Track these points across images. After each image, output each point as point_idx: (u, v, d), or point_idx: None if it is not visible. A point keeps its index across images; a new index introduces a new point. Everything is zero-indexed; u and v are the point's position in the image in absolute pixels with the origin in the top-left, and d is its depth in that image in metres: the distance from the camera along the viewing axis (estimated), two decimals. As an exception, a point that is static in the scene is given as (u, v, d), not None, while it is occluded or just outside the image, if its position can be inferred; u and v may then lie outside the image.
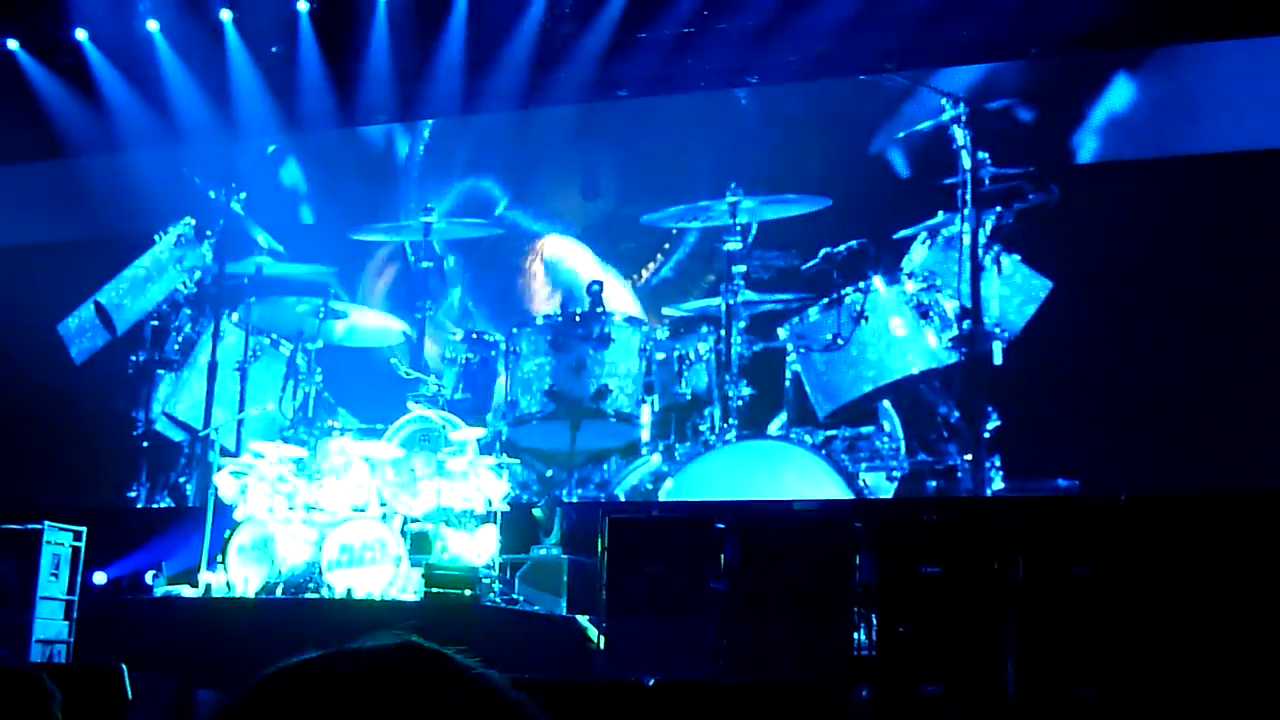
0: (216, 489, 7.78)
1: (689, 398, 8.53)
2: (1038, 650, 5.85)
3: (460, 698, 0.95)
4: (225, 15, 11.11)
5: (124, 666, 5.40)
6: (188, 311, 9.71)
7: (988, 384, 8.11)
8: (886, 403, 8.46)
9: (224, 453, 8.38)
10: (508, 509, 7.64)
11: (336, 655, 0.96)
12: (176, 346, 9.60)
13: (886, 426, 8.39)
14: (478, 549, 7.35)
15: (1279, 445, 8.48)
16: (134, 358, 9.60)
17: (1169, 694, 5.67)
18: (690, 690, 4.89)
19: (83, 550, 7.67)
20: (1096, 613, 5.82)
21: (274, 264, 9.46)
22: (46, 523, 7.53)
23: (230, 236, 9.56)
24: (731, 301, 8.30)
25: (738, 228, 8.44)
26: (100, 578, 7.93)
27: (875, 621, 6.09)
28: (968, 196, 8.05)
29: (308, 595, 7.12)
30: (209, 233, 9.71)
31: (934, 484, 8.17)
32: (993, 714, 5.84)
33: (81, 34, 11.40)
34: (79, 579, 7.63)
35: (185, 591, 7.49)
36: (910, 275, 8.37)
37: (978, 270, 7.94)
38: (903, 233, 8.65)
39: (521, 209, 10.94)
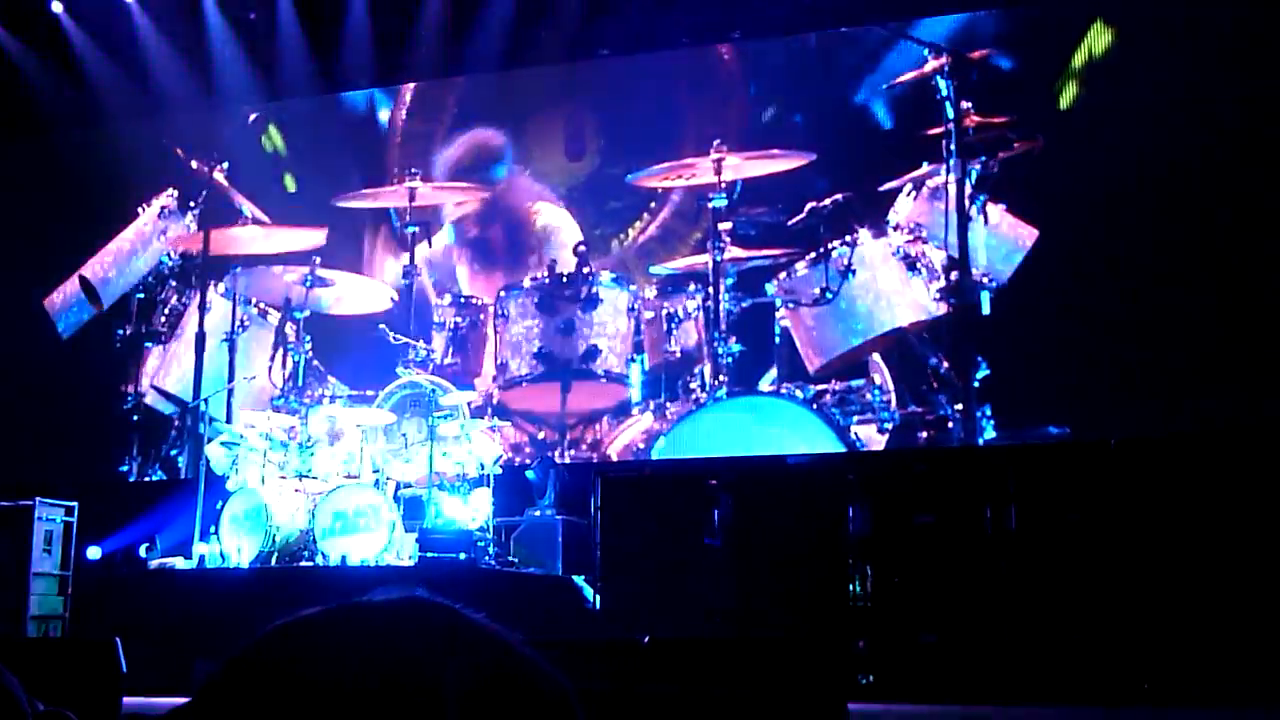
0: (208, 460, 7.76)
1: (679, 356, 8.51)
2: (1032, 596, 5.86)
3: (467, 649, 0.92)
4: (202, -17, 11.03)
5: (117, 639, 5.38)
6: (173, 283, 9.64)
7: (976, 334, 8.08)
8: (876, 355, 8.45)
9: (214, 424, 8.35)
10: (500, 472, 7.64)
11: (341, 610, 0.94)
12: (163, 319, 9.54)
13: (877, 379, 8.39)
14: (471, 513, 7.35)
15: (1268, 383, 8.49)
16: (121, 331, 9.54)
17: (1165, 635, 5.68)
18: (687, 646, 4.88)
19: (75, 526, 7.64)
20: (1090, 558, 5.82)
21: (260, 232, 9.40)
22: (38, 499, 7.50)
23: (214, 207, 9.50)
24: (718, 259, 8.26)
25: (723, 185, 8.40)
26: (94, 552, 7.90)
27: (870, 572, 6.09)
28: (952, 147, 8.00)
29: (302, 563, 7.12)
30: (192, 203, 9.64)
31: (925, 435, 8.17)
32: (989, 661, 5.85)
33: (58, 6, 11.31)
34: (72, 554, 7.60)
35: (179, 564, 7.49)
36: (896, 227, 8.35)
37: (964, 221, 7.90)
38: (888, 185, 8.60)
39: (516, 167, 10.89)
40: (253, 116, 11.30)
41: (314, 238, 9.09)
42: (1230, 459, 5.96)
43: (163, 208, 9.67)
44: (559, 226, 10.66)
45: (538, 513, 7.75)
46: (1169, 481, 5.91)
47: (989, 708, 5.66)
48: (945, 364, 8.23)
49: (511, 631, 0.97)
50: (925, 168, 8.33)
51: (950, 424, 8.02)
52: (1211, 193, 8.82)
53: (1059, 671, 5.73)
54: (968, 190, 7.99)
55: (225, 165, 9.47)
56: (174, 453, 9.33)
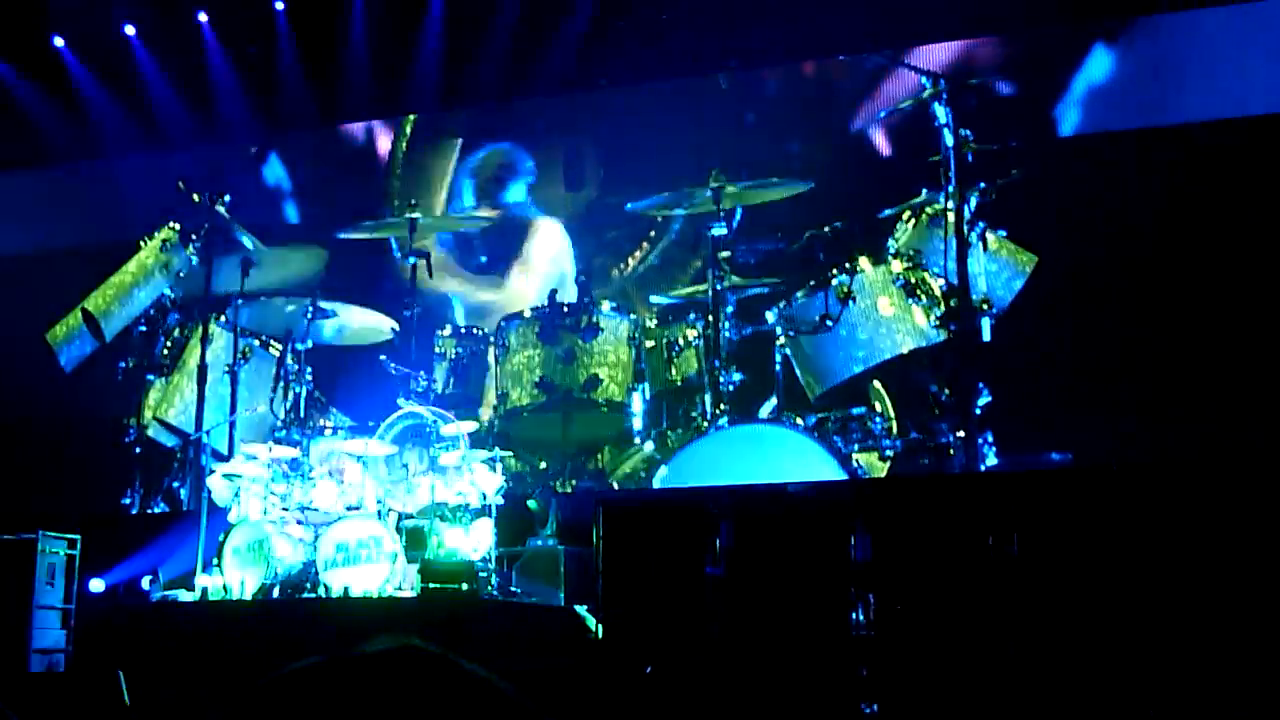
0: (210, 492, 7.76)
1: (680, 384, 8.52)
2: (1037, 624, 5.85)
3: (463, 699, 0.93)
4: (202, 17, 11.08)
5: (120, 673, 5.37)
6: (175, 315, 9.66)
7: (977, 360, 8.08)
8: (877, 383, 8.45)
9: (216, 456, 8.35)
10: (502, 502, 7.63)
11: (339, 660, 0.95)
12: (165, 351, 9.55)
13: (878, 406, 8.39)
14: (473, 543, 7.33)
15: (1273, 409, 8.49)
16: (123, 364, 9.55)
17: (1170, 663, 5.67)
18: (690, 677, 4.88)
19: (78, 558, 7.63)
20: (1093, 584, 5.81)
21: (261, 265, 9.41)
22: (40, 532, 7.49)
23: (215, 239, 9.51)
24: (719, 287, 8.27)
25: (722, 213, 8.41)
26: (97, 585, 7.90)
27: (872, 600, 6.08)
28: (951, 174, 8.02)
29: (305, 595, 7.11)
30: (194, 236, 9.65)
31: (927, 462, 8.16)
32: (995, 689, 5.83)
33: (59, 40, 11.36)
34: (75, 587, 7.59)
35: (182, 596, 7.48)
36: (896, 255, 8.36)
37: (964, 247, 7.91)
38: (887, 212, 8.62)
39: (507, 201, 10.93)
40: (254, 149, 11.34)
41: (318, 256, 9.11)
42: (1235, 485, 5.96)
43: (164, 240, 9.67)
44: (556, 242, 10.66)
45: (540, 543, 7.75)
46: (1173, 508, 5.91)
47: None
48: (946, 391, 8.22)
49: (503, 681, 0.97)
50: (924, 195, 8.35)
51: (952, 451, 8.01)
52: (1213, 218, 8.83)
53: (1064, 699, 5.72)
54: (967, 217, 8.00)
55: (227, 197, 9.48)
56: (176, 485, 9.33)
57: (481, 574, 7.16)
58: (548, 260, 10.53)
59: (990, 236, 8.26)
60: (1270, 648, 5.57)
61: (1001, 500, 6.12)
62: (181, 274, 9.59)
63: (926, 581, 6.07)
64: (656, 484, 7.78)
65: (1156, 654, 5.69)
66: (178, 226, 9.77)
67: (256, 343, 9.15)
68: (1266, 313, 8.72)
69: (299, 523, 7.35)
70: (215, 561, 7.36)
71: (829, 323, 8.09)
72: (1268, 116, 8.94)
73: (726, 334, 8.23)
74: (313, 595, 7.06)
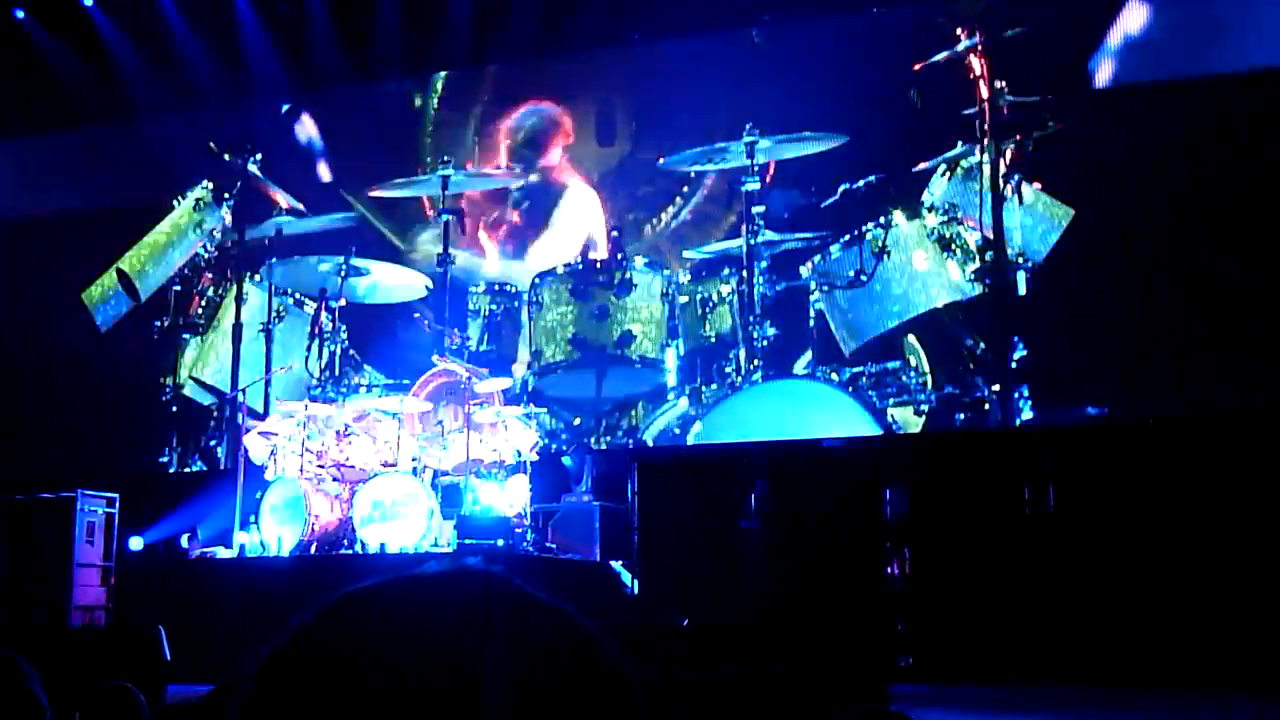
0: (247, 451, 7.82)
1: (713, 340, 8.52)
2: (1072, 576, 5.85)
3: (514, 616, 0.95)
4: (233, -25, 11.08)
5: (161, 628, 5.43)
6: (210, 275, 9.71)
7: (1013, 314, 8.06)
8: (912, 337, 8.44)
9: (252, 414, 8.41)
10: (537, 458, 7.66)
11: (395, 581, 0.97)
12: (200, 310, 9.62)
13: (913, 361, 8.37)
14: (509, 499, 7.38)
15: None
16: (158, 323, 9.62)
17: (1203, 613, 5.66)
18: (725, 631, 4.90)
19: (117, 517, 7.72)
20: (1129, 537, 5.81)
21: (295, 223, 9.43)
22: (80, 491, 7.58)
23: (248, 198, 9.55)
24: (752, 242, 8.26)
25: (755, 168, 8.39)
26: (136, 543, 7.99)
27: (908, 555, 6.09)
28: (986, 126, 7.97)
29: (341, 552, 7.17)
30: (227, 195, 9.69)
31: (962, 416, 8.15)
32: (1029, 641, 5.84)
33: (89, 0, 11.38)
34: (115, 545, 7.68)
35: (220, 553, 7.55)
36: (931, 208, 8.31)
37: (999, 200, 7.87)
38: (922, 166, 8.57)
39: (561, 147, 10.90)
40: (285, 107, 11.35)
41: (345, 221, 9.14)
42: (1273, 437, 5.93)
43: (197, 200, 9.73)
44: (586, 200, 10.64)
45: (574, 499, 7.79)
46: (1210, 461, 5.89)
47: (1028, 688, 5.66)
48: (982, 345, 8.20)
49: (565, 604, 0.99)
50: (959, 148, 8.30)
51: (987, 405, 8.00)
52: (1252, 168, 8.74)
53: (1097, 651, 5.72)
54: (1002, 170, 7.96)
55: (259, 157, 9.51)
56: (213, 443, 9.41)
57: (517, 530, 7.21)
58: (576, 225, 10.51)
59: (1026, 189, 8.21)
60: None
61: (1037, 455, 6.12)
62: (215, 233, 9.64)
63: (962, 536, 6.08)
64: (691, 440, 7.80)
65: (1192, 607, 5.68)
66: (211, 185, 9.82)
67: (291, 301, 9.20)
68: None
69: (335, 480, 7.41)
70: (253, 519, 7.43)
71: (863, 277, 8.07)
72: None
73: (760, 289, 8.22)
74: (349, 552, 7.12)
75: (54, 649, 6.11)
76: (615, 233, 8.68)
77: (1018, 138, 8.13)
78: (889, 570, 6.13)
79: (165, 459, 9.62)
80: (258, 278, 9.22)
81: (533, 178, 10.75)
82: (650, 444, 8.40)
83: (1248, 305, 8.60)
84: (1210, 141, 8.78)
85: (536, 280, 8.61)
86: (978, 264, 8.02)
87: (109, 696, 3.48)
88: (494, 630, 0.93)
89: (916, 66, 8.53)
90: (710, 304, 8.50)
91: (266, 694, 0.94)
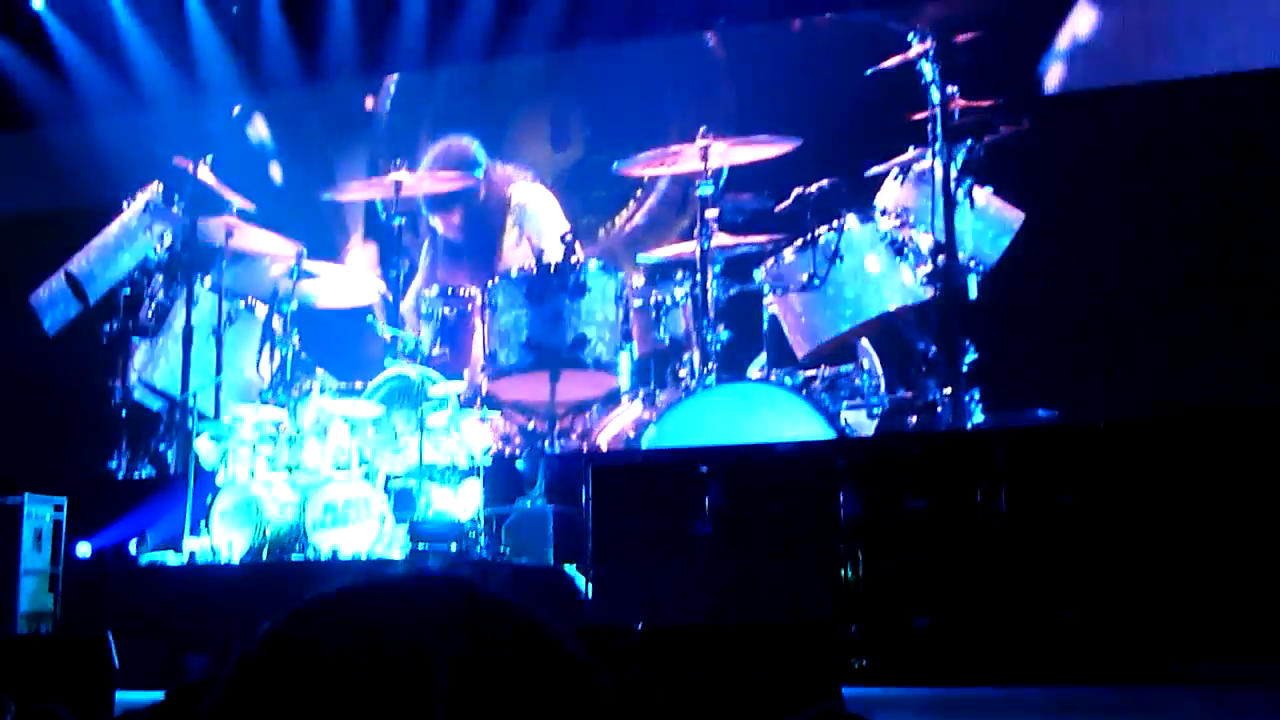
0: (197, 455, 7.75)
1: (667, 344, 8.51)
2: (1025, 578, 5.87)
3: (495, 619, 0.94)
4: (184, -25, 10.99)
5: (109, 635, 5.36)
6: (160, 278, 9.61)
7: (964, 318, 8.08)
8: (865, 340, 8.45)
9: (203, 418, 8.34)
10: (490, 462, 7.64)
11: (356, 588, 0.96)
12: (150, 314, 9.52)
13: (865, 364, 8.38)
14: (462, 503, 7.35)
15: (1259, 364, 8.51)
16: (108, 326, 9.51)
17: (1154, 615, 5.70)
18: (679, 634, 4.88)
19: (64, 522, 7.64)
20: (1080, 538, 5.83)
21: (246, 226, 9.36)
22: (27, 495, 7.49)
23: (199, 200, 9.46)
24: (706, 246, 8.26)
25: (709, 172, 8.39)
26: (84, 549, 7.89)
27: (861, 557, 6.10)
28: (938, 131, 8.00)
29: (293, 557, 7.12)
30: (177, 197, 9.59)
31: (914, 419, 8.17)
32: (982, 643, 5.86)
33: (39, 2, 11.27)
34: (62, 551, 7.59)
35: (170, 559, 7.48)
36: (883, 212, 8.33)
37: (951, 205, 7.90)
38: (874, 170, 8.59)
39: (492, 161, 10.87)
40: (237, 109, 11.27)
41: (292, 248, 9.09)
42: (1220, 440, 5.98)
43: (148, 202, 9.62)
44: (532, 203, 10.61)
45: (528, 503, 7.77)
46: (1159, 463, 5.93)
47: (982, 690, 5.67)
48: (934, 348, 8.23)
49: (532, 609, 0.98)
50: (911, 152, 8.33)
51: (939, 408, 8.03)
52: (1200, 173, 8.83)
53: (1051, 653, 5.75)
54: (954, 174, 7.99)
55: (210, 158, 9.43)
56: (163, 447, 9.32)
57: (470, 534, 7.18)
58: (528, 229, 10.48)
59: (978, 194, 8.24)
60: (1255, 600, 5.60)
61: (989, 456, 6.13)
62: (165, 236, 9.54)
63: (915, 538, 6.09)
64: (645, 444, 7.79)
65: (1143, 608, 5.71)
66: (161, 188, 9.71)
67: (242, 304, 9.12)
68: (1259, 269, 8.73)
69: (287, 484, 7.35)
70: (203, 524, 7.36)
71: (817, 281, 8.09)
72: (1253, 73, 8.93)
73: (714, 293, 8.22)
74: (301, 557, 7.07)
75: (0, 657, 6.02)
76: (569, 236, 8.64)
77: (969, 142, 8.17)
78: (843, 573, 6.13)
79: (114, 463, 9.52)
80: (208, 281, 9.13)
81: (480, 179, 10.71)
82: (604, 448, 8.39)
83: (1197, 308, 8.69)
84: (1160, 146, 8.86)
85: (490, 283, 8.59)
86: (930, 268, 8.04)
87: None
88: (451, 634, 0.92)
89: (869, 71, 8.55)
90: (664, 307, 8.49)
91: (235, 700, 0.93)
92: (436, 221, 10.83)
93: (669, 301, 8.50)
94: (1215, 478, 5.92)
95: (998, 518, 5.94)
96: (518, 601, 0.98)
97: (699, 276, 8.26)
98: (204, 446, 7.72)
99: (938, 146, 7.97)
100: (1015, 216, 8.49)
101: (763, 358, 8.44)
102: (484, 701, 0.90)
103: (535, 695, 0.93)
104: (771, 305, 8.38)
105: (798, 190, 8.39)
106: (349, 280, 9.30)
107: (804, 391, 7.83)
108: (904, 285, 8.17)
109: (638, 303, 8.54)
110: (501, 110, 11.01)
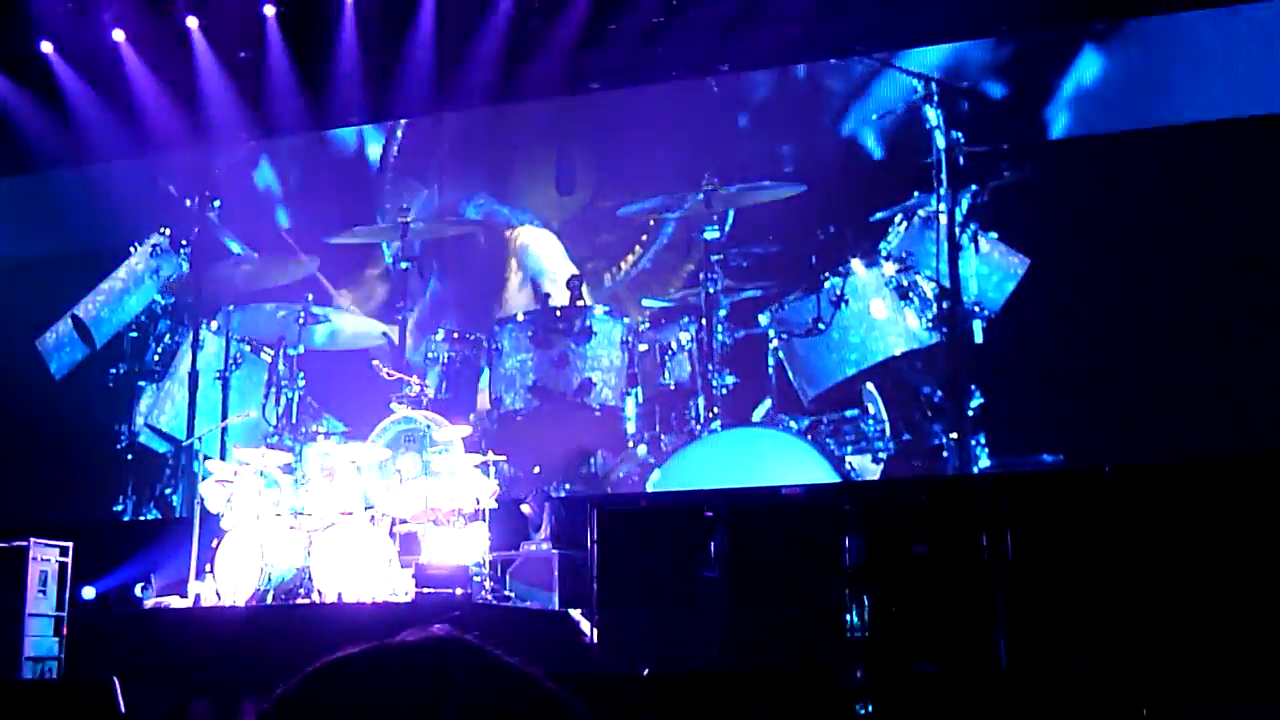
0: (203, 499, 7.76)
1: (673, 388, 8.53)
2: (1029, 624, 5.88)
3: (479, 682, 0.97)
4: (192, 22, 11.08)
5: (115, 680, 5.38)
6: (166, 322, 9.66)
7: (969, 362, 8.13)
8: (870, 385, 8.48)
9: (208, 461, 8.36)
10: (495, 506, 7.64)
11: (369, 651, 1.00)
12: (156, 357, 9.56)
13: (871, 409, 8.40)
14: (467, 548, 7.35)
15: (1260, 410, 8.52)
16: (114, 370, 9.56)
17: (1160, 661, 5.70)
18: (685, 680, 4.91)
19: (70, 566, 7.65)
20: (1086, 585, 5.84)
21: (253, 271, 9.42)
22: (32, 539, 7.51)
23: (206, 245, 9.52)
24: (711, 290, 8.30)
25: (715, 216, 8.44)
26: (89, 592, 7.91)
27: (867, 602, 6.10)
28: (943, 176, 8.06)
29: (299, 601, 7.12)
30: (184, 242, 9.65)
31: (919, 464, 8.19)
32: (988, 689, 5.86)
33: (47, 46, 11.35)
34: (67, 595, 7.60)
35: (175, 603, 7.48)
36: (888, 257, 8.38)
37: (955, 250, 7.95)
38: (879, 215, 8.65)
39: (498, 206, 10.94)
40: (244, 154, 11.34)
41: (305, 268, 9.13)
42: (1226, 487, 5.99)
43: (154, 245, 9.69)
44: (534, 245, 10.67)
45: (533, 547, 7.77)
46: (1165, 509, 5.94)
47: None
48: (939, 393, 8.25)
49: (534, 667, 1.01)
50: (916, 197, 8.39)
51: (945, 453, 8.05)
52: (1204, 216, 8.87)
53: (1056, 699, 5.75)
54: (958, 219, 8.04)
55: (217, 203, 9.49)
56: (168, 491, 9.34)
57: (475, 578, 7.18)
58: (533, 272, 10.54)
59: (982, 239, 8.30)
60: (1259, 646, 5.61)
61: (995, 502, 6.15)
62: (172, 280, 9.60)
63: (920, 583, 6.10)
64: (650, 487, 7.81)
65: (1149, 653, 5.72)
66: (168, 232, 9.78)
67: (248, 348, 9.15)
68: (1263, 316, 8.75)
69: (292, 528, 7.36)
70: (208, 568, 7.36)
71: (821, 325, 8.12)
72: (1254, 118, 8.98)
73: (719, 337, 8.26)
74: (307, 601, 7.07)
75: (6, 702, 6.04)
76: (575, 280, 8.69)
77: (974, 188, 8.23)
78: (848, 618, 6.14)
79: (120, 507, 9.54)
80: (215, 325, 9.18)
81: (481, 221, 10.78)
82: (610, 491, 8.40)
83: (1204, 355, 8.71)
84: (1164, 191, 8.91)
85: (496, 327, 8.62)
86: (934, 312, 8.08)
87: None
88: (450, 702, 0.95)
89: (874, 117, 8.63)
90: (669, 352, 8.52)
91: None
92: (440, 265, 10.88)
93: (674, 346, 8.53)
94: (1223, 526, 5.93)
95: (1003, 563, 5.95)
96: (518, 660, 1.02)
97: (704, 321, 8.30)
98: (209, 490, 7.74)
99: (943, 192, 8.03)
100: (1020, 261, 8.54)
101: (768, 402, 8.47)
102: None
103: None
104: (777, 350, 8.42)
105: (802, 235, 8.45)
106: (355, 325, 9.34)
107: (809, 436, 7.86)
108: (909, 330, 8.20)
109: (643, 347, 8.57)
110: (507, 156, 11.08)
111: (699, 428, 8.11)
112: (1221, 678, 5.61)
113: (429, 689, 0.95)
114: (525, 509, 8.08)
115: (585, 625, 6.87)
